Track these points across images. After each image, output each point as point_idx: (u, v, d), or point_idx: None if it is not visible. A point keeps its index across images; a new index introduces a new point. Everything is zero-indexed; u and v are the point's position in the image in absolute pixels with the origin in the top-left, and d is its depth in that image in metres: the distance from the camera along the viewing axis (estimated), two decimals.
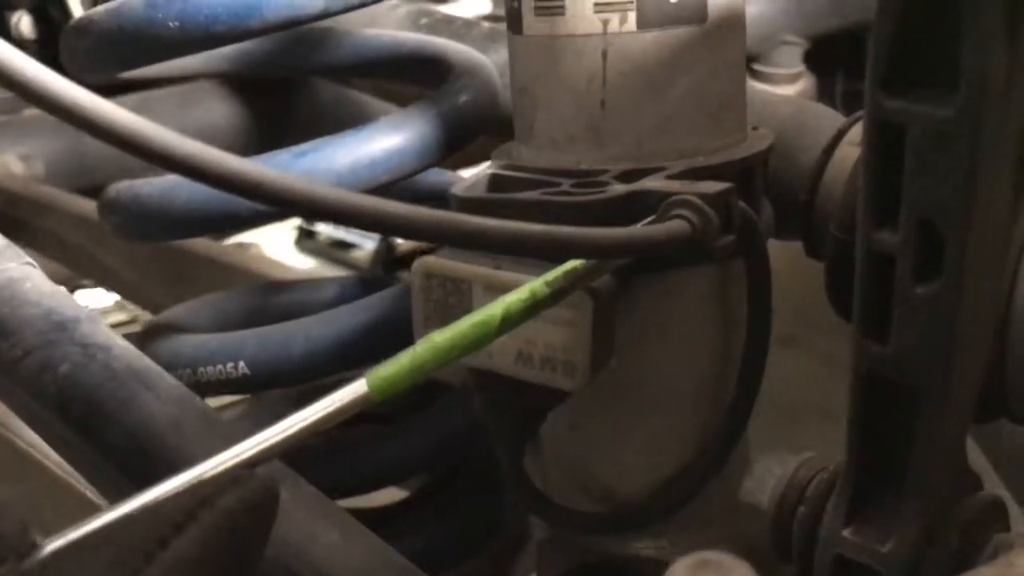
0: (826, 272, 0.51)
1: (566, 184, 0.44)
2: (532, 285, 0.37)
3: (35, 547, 0.26)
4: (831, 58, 1.17)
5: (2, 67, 0.32)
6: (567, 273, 0.38)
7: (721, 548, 0.49)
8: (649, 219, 0.40)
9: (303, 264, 1.69)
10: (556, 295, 0.37)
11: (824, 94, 1.18)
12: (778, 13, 1.10)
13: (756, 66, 1.13)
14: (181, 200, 0.50)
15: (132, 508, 0.29)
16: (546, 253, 0.38)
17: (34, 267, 0.50)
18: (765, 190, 0.49)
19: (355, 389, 0.33)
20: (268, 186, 0.32)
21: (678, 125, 0.46)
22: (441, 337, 0.35)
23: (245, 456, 0.32)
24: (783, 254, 0.56)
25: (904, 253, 0.32)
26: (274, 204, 0.33)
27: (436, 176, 0.60)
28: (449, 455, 0.61)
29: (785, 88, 1.13)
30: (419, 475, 0.64)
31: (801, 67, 1.15)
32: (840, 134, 0.55)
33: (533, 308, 0.37)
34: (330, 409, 0.33)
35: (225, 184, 0.32)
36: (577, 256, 0.38)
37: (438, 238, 0.35)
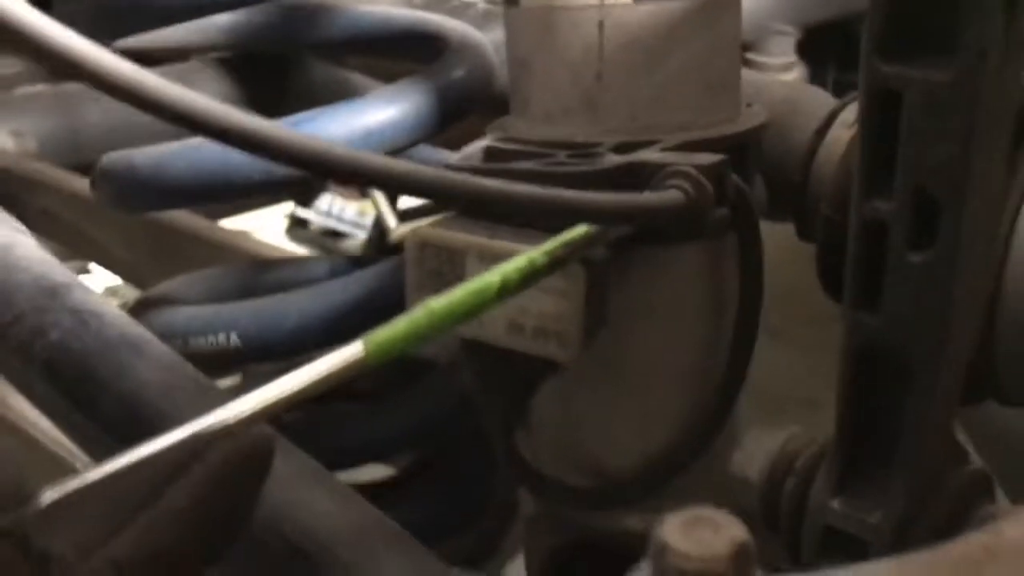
0: (817, 253, 0.51)
1: (561, 155, 0.44)
2: (530, 254, 0.37)
3: (31, 498, 0.26)
4: (823, 48, 1.17)
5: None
6: (565, 243, 0.38)
7: None
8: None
9: (295, 253, 1.69)
10: (554, 264, 0.37)
11: (816, 84, 1.18)
12: (771, 2, 1.11)
13: (749, 55, 1.14)
14: (175, 169, 0.50)
15: (127, 462, 0.29)
16: (544, 216, 0.38)
17: (25, 234, 0.49)
18: (758, 170, 0.50)
19: (351, 352, 0.33)
20: (280, 142, 0.32)
21: (673, 98, 0.46)
22: (438, 304, 0.35)
23: (238, 416, 0.32)
24: (771, 245, 0.56)
25: (898, 220, 0.32)
26: (289, 162, 0.32)
27: (428, 153, 0.60)
28: (432, 434, 0.61)
29: (777, 77, 1.13)
30: (405, 453, 0.64)
31: (793, 57, 1.15)
32: (833, 115, 0.55)
33: (531, 277, 0.37)
34: (325, 371, 0.33)
35: (240, 139, 0.32)
36: (574, 220, 0.37)
37: (437, 197, 0.35)
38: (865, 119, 0.32)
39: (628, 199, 0.38)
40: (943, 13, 0.30)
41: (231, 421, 0.31)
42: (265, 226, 1.79)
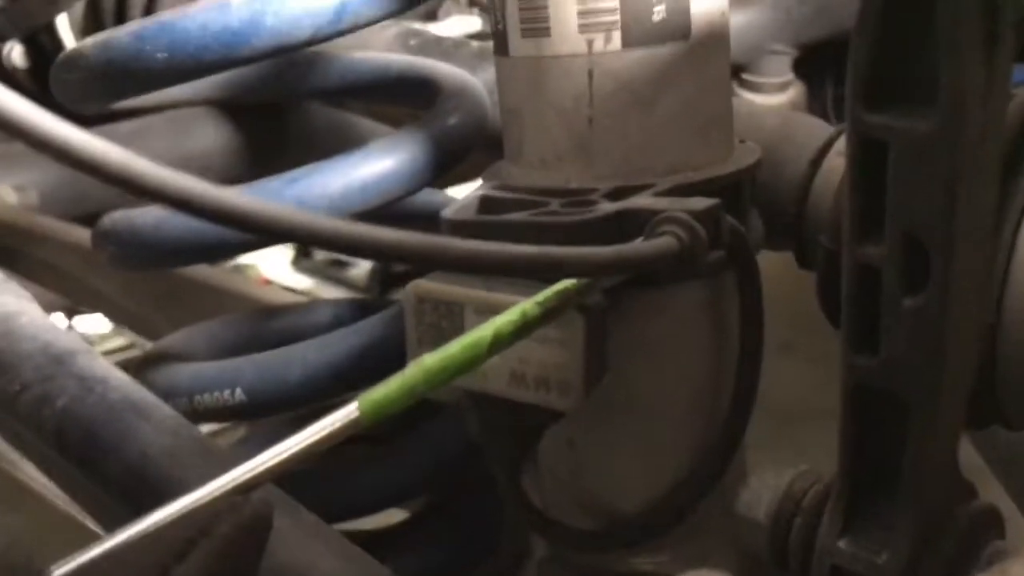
0: (817, 282, 0.51)
1: (555, 204, 0.44)
2: (523, 306, 0.37)
3: (41, 573, 0.27)
4: (820, 65, 1.18)
5: None
6: (558, 293, 0.38)
7: (719, 561, 0.49)
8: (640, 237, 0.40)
9: (300, 283, 1.70)
10: (547, 315, 0.38)
11: (814, 101, 1.19)
12: (765, 22, 1.11)
13: (745, 75, 1.14)
14: (176, 229, 0.51)
15: (133, 534, 0.29)
16: (536, 274, 0.38)
17: (30, 300, 0.50)
18: (753, 203, 0.50)
19: (346, 413, 0.33)
20: (257, 216, 0.32)
21: (665, 141, 0.46)
22: (431, 360, 0.35)
23: (240, 481, 0.32)
24: (778, 259, 0.56)
25: (890, 266, 0.32)
26: (264, 234, 0.33)
27: (427, 196, 0.60)
28: (445, 475, 0.61)
29: (774, 97, 1.14)
30: (416, 497, 0.64)
31: (790, 75, 1.15)
32: (827, 145, 0.56)
33: (523, 329, 0.37)
34: (321, 434, 0.33)
35: (218, 217, 0.32)
36: (567, 275, 0.38)
37: (428, 262, 0.35)
38: (852, 167, 0.32)
39: (620, 250, 0.39)
40: (923, 62, 0.30)
41: (233, 487, 0.32)
42: (270, 258, 1.80)
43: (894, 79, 0.31)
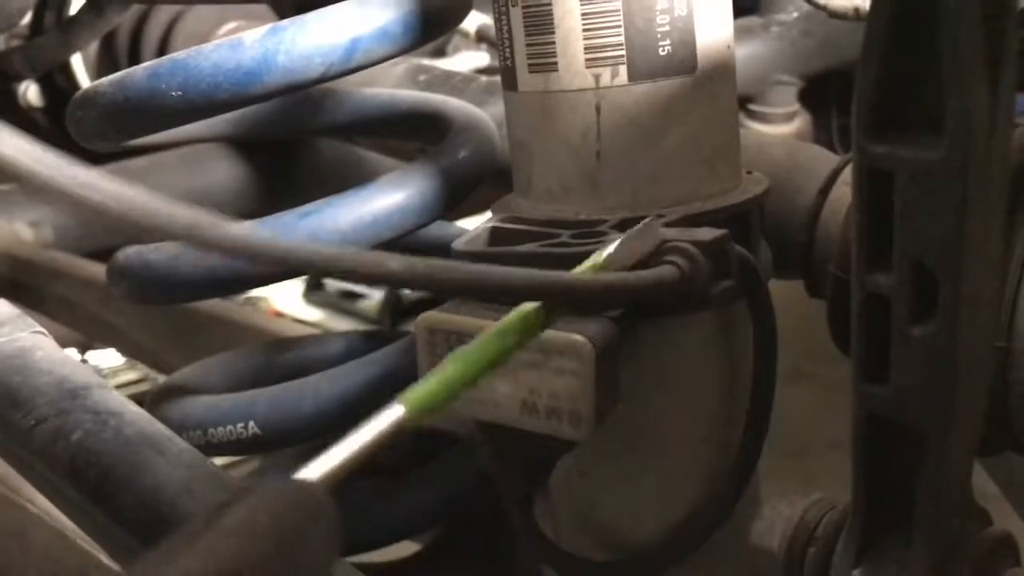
0: (827, 311, 0.51)
1: (565, 235, 0.44)
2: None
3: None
4: (825, 96, 1.18)
5: None
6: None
7: None
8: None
9: (312, 315, 1.70)
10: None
11: (820, 131, 1.20)
12: (771, 54, 1.12)
13: (752, 106, 1.15)
14: (189, 264, 0.51)
15: None
16: (534, 299, 0.38)
17: (45, 335, 0.50)
18: (762, 233, 0.50)
19: (391, 413, 0.32)
20: (267, 250, 0.32)
21: (673, 173, 0.46)
22: (466, 352, 0.34)
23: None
24: (788, 288, 0.56)
25: (899, 295, 0.33)
26: (273, 266, 0.33)
27: (438, 229, 0.61)
28: (459, 508, 0.61)
29: (781, 127, 1.14)
30: (430, 528, 0.64)
31: (796, 106, 1.16)
32: (835, 174, 0.56)
33: (547, 313, 0.36)
34: (369, 437, 0.32)
35: (227, 251, 0.33)
36: (566, 301, 0.38)
37: (429, 287, 0.35)
38: (859, 197, 0.32)
39: (620, 278, 0.39)
40: (927, 92, 0.30)
41: None
42: (282, 291, 1.81)
43: (899, 109, 0.31)
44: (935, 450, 0.35)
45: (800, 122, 1.17)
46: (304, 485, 0.27)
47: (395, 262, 0.33)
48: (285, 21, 0.49)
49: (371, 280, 0.34)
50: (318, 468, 0.30)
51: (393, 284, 0.36)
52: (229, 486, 0.27)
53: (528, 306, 0.36)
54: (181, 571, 0.23)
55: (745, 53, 1.09)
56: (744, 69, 1.09)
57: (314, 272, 0.34)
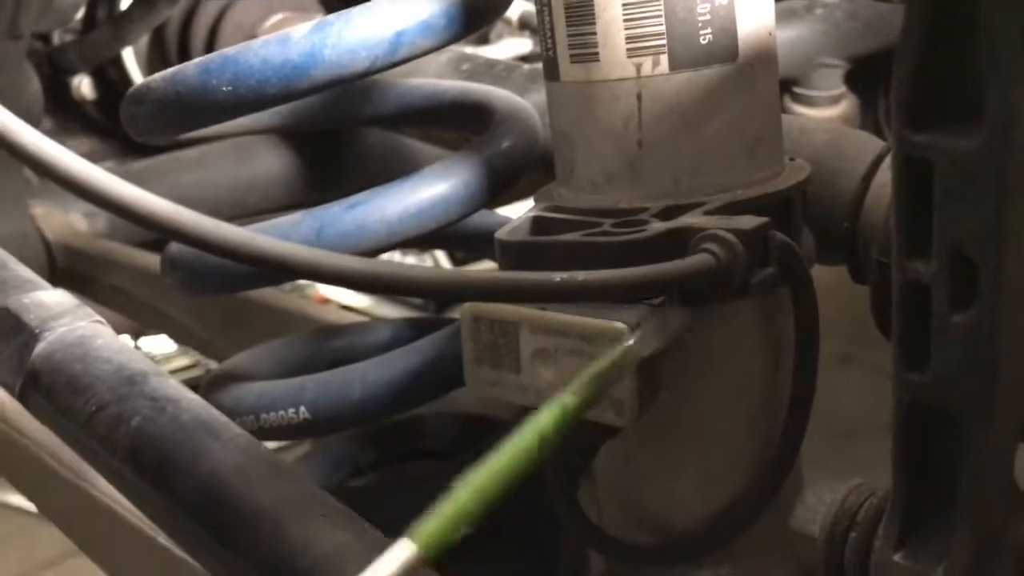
0: (871, 296, 0.51)
1: (607, 224, 0.45)
2: (561, 400, 0.35)
3: None
4: (872, 78, 1.17)
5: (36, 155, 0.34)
6: (593, 378, 0.37)
7: (778, 575, 0.50)
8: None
9: (358, 300, 1.72)
10: (586, 403, 0.36)
11: (867, 113, 1.18)
12: (816, 36, 1.11)
13: (797, 89, 1.14)
14: None
15: None
16: (573, 298, 0.39)
17: (104, 324, 0.52)
18: (805, 219, 0.50)
19: (400, 551, 0.30)
20: (297, 261, 0.34)
21: (715, 161, 0.47)
22: (478, 478, 0.32)
23: None
24: (836, 271, 0.56)
25: (938, 283, 0.33)
26: (302, 277, 0.35)
27: (482, 217, 0.61)
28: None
29: (827, 110, 1.13)
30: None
31: (842, 88, 1.15)
32: (879, 159, 0.56)
33: (567, 423, 0.35)
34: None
35: (254, 261, 0.34)
36: (601, 297, 0.38)
37: (465, 297, 0.36)
38: (898, 186, 0.33)
39: (656, 269, 0.39)
40: (967, 82, 0.30)
41: None
42: None
43: (938, 98, 0.31)
44: (976, 436, 0.35)
45: (846, 105, 1.15)
46: None
47: (422, 273, 0.34)
48: (331, 16, 0.50)
49: (396, 291, 0.35)
50: None
51: (424, 296, 0.37)
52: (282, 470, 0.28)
53: (542, 417, 0.34)
54: None
55: (789, 36, 1.08)
56: (788, 52, 1.08)
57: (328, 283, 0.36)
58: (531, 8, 1.17)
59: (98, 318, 0.52)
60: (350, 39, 0.49)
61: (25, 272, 0.57)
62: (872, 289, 0.51)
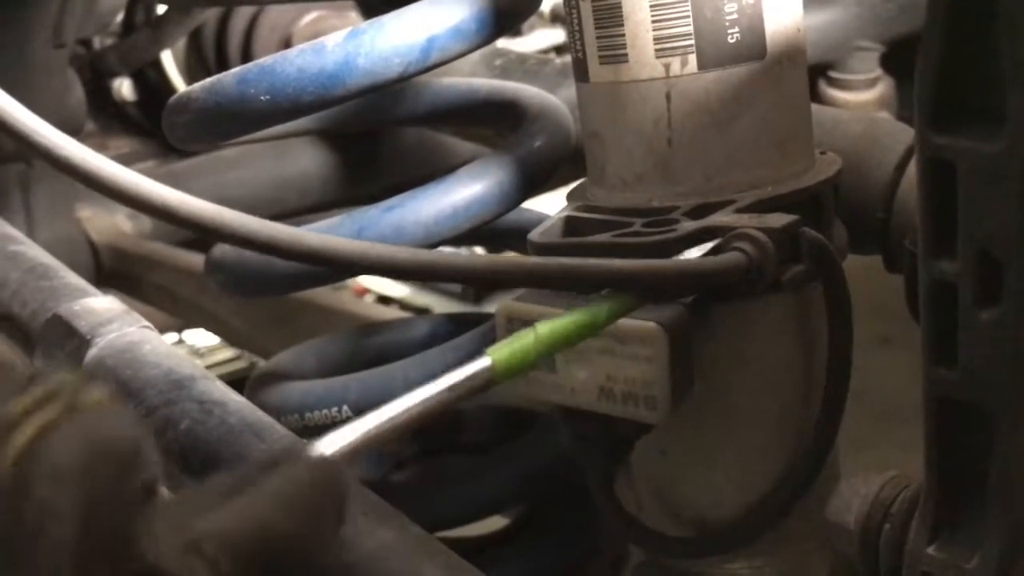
0: (905, 285, 0.51)
1: (638, 224, 0.46)
2: (617, 296, 0.40)
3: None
4: (909, 61, 1.16)
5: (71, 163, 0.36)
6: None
7: (818, 566, 0.50)
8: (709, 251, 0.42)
9: (401, 289, 1.73)
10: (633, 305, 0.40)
11: (904, 96, 1.17)
12: (851, 19, 1.10)
13: (832, 73, 1.13)
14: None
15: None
16: (602, 287, 0.40)
17: (151, 329, 0.54)
18: (839, 209, 0.50)
19: (479, 364, 0.35)
20: (343, 253, 0.35)
21: (744, 159, 0.47)
22: (545, 329, 0.37)
23: (370, 431, 0.33)
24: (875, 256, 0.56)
25: (964, 281, 0.33)
26: (348, 270, 0.36)
27: (516, 214, 0.62)
28: (545, 484, 0.63)
29: (863, 93, 1.13)
30: (513, 506, 0.67)
31: (878, 71, 1.14)
32: (912, 149, 0.56)
33: (619, 313, 0.40)
34: (454, 383, 0.35)
35: (301, 257, 0.35)
36: (631, 289, 0.40)
37: (498, 282, 0.38)
38: (923, 186, 0.33)
39: (687, 264, 0.40)
40: (988, 84, 0.31)
41: (362, 437, 0.33)
42: None
43: (960, 100, 0.32)
44: (1006, 430, 0.35)
45: (883, 88, 1.15)
46: (330, 462, 0.30)
47: (457, 260, 0.36)
48: (364, 24, 0.51)
49: (432, 277, 0.37)
50: (398, 410, 0.32)
51: (457, 281, 0.38)
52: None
53: (601, 305, 0.38)
54: (215, 524, 0.26)
55: (824, 19, 1.07)
56: (823, 36, 1.08)
57: (378, 274, 0.37)
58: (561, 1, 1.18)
59: (146, 323, 0.54)
60: (383, 46, 0.50)
61: (75, 279, 0.59)
62: (906, 278, 0.52)
